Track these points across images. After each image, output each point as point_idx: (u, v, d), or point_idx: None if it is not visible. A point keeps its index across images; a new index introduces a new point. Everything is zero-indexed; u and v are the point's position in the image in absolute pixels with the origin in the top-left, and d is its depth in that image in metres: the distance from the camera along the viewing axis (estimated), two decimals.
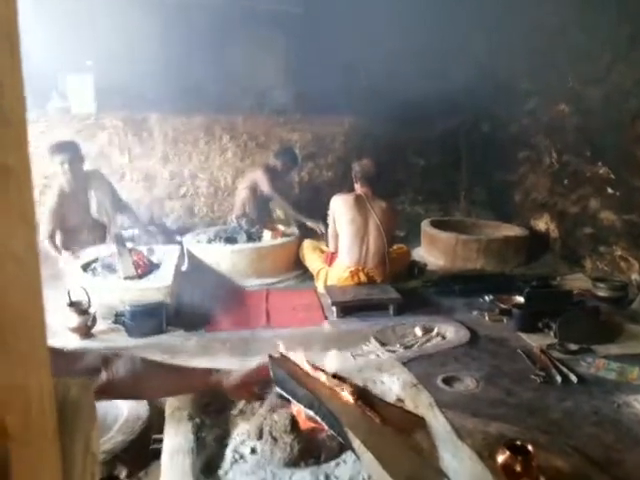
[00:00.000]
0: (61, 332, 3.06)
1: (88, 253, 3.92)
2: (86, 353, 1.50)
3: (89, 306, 3.09)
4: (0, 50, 0.44)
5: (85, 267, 3.65)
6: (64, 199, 4.11)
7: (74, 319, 3.04)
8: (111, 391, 1.40)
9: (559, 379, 2.66)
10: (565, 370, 2.74)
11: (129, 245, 3.81)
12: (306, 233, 4.74)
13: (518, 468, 1.78)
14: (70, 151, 4.08)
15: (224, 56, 5.39)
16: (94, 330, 3.12)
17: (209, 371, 1.68)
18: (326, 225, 4.52)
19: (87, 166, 4.38)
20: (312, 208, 5.13)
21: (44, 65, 4.77)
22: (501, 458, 1.82)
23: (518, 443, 1.87)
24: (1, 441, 0.43)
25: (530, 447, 1.84)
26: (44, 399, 0.52)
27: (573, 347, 2.98)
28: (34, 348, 0.51)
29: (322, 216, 4.57)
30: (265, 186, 4.99)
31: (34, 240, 0.52)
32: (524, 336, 3.19)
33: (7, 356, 0.44)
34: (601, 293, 3.72)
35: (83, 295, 3.11)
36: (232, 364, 2.80)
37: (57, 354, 1.32)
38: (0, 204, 0.43)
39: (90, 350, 1.69)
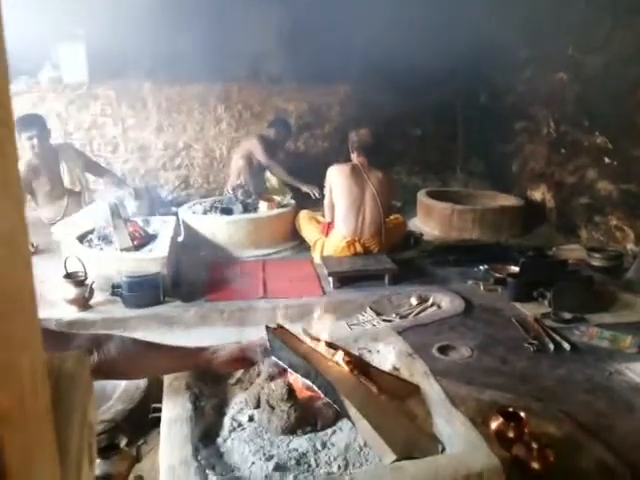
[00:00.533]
0: (59, 304, 3.07)
1: (66, 222, 3.97)
2: (77, 334, 1.52)
3: (86, 278, 3.09)
4: None
5: (81, 238, 3.64)
6: (33, 171, 4.17)
7: (71, 291, 3.04)
8: (102, 372, 1.43)
9: (552, 347, 2.70)
10: (558, 338, 2.78)
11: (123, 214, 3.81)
12: (302, 202, 4.73)
13: (511, 434, 1.82)
14: (37, 126, 4.08)
15: (219, 24, 5.28)
16: (92, 302, 3.13)
17: (199, 350, 1.71)
18: (321, 190, 4.52)
19: (75, 137, 4.40)
20: (308, 178, 5.10)
21: (36, 34, 4.68)
22: (494, 424, 1.86)
23: (511, 410, 1.91)
24: None
25: (522, 414, 1.88)
26: (36, 378, 0.52)
27: (567, 316, 3.02)
28: (25, 326, 0.50)
29: (319, 186, 4.56)
30: (260, 154, 5.00)
31: (22, 216, 0.51)
32: (518, 305, 3.22)
33: None
34: (596, 263, 3.74)
35: (80, 267, 3.11)
36: (229, 334, 2.83)
37: (47, 334, 1.34)
38: None
39: (80, 332, 1.71)
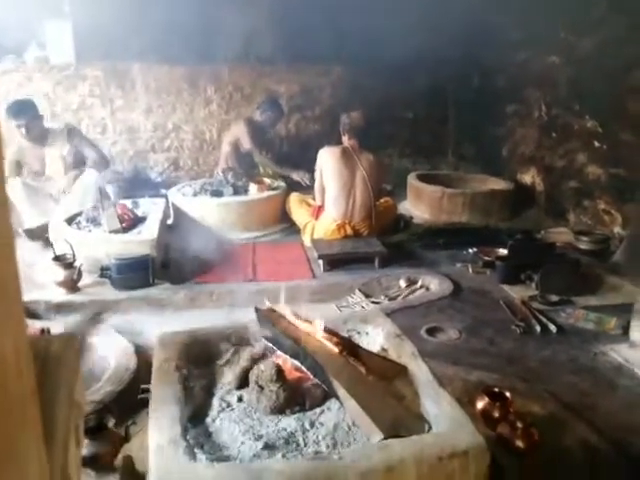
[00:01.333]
0: (48, 286, 3.06)
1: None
2: None
3: (74, 260, 3.08)
4: None
5: (69, 221, 3.62)
6: (23, 152, 4.13)
7: (60, 273, 3.03)
8: None
9: (539, 329, 2.73)
10: (545, 320, 2.81)
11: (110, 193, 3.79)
12: (293, 186, 4.71)
13: (496, 414, 1.85)
14: (26, 115, 3.99)
15: (209, 3, 5.20)
16: (80, 284, 3.12)
17: None
18: (311, 176, 4.49)
19: (63, 118, 4.30)
20: (299, 161, 5.08)
21: (21, 11, 4.59)
22: (480, 404, 1.89)
23: (496, 390, 1.94)
24: None
25: (508, 394, 1.91)
26: (20, 360, 0.52)
27: (554, 298, 3.05)
28: (7, 309, 0.50)
29: (309, 169, 4.53)
30: (246, 141, 4.92)
31: (3, 197, 0.51)
32: (506, 288, 3.25)
33: None
34: (583, 246, 3.77)
35: (68, 249, 3.09)
36: (219, 316, 2.84)
37: None
38: None
39: None
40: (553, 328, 2.74)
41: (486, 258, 3.60)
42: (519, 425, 1.76)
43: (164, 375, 1.82)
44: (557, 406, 2.06)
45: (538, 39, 4.74)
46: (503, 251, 3.58)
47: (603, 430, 1.93)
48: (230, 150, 5.00)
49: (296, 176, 4.85)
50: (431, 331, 2.72)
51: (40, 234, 3.73)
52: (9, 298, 0.50)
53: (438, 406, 1.67)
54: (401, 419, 1.61)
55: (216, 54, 5.52)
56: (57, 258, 3.09)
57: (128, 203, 3.85)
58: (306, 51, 5.37)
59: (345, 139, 3.97)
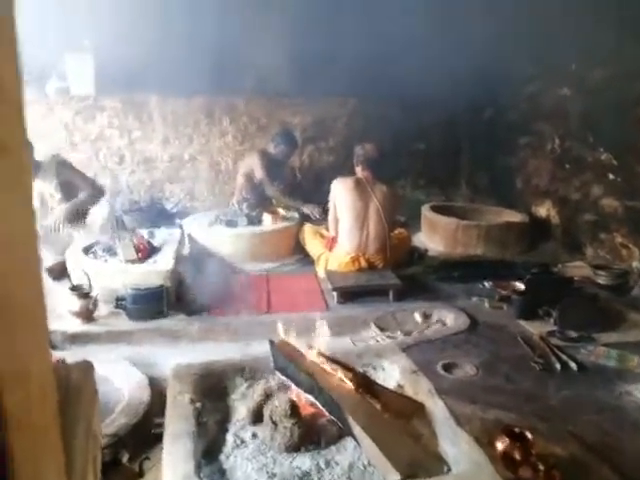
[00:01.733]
0: (64, 316, 3.07)
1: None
2: None
3: (90, 290, 3.09)
4: None
5: (86, 250, 3.65)
6: None
7: (76, 303, 3.04)
8: None
9: (558, 366, 2.67)
10: (564, 357, 2.75)
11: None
12: (306, 217, 4.73)
13: (517, 455, 1.79)
14: None
15: (226, 37, 5.32)
16: (96, 314, 3.12)
17: None
18: (321, 210, 4.51)
19: (81, 148, 4.25)
20: (313, 192, 5.11)
21: (44, 45, 4.72)
22: (500, 445, 1.84)
23: (517, 430, 1.88)
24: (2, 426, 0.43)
25: (529, 434, 1.86)
26: (44, 386, 0.52)
27: (573, 334, 2.99)
28: (35, 334, 0.51)
29: (323, 201, 4.55)
30: (259, 173, 4.93)
31: (33, 225, 0.51)
32: (524, 323, 3.19)
33: (9, 342, 0.44)
34: (601, 280, 3.72)
35: (84, 279, 3.11)
36: (234, 348, 2.82)
37: None
38: (0, 187, 0.43)
39: None
40: (573, 365, 2.68)
41: (502, 292, 3.56)
42: (541, 468, 1.71)
43: (178, 409, 1.80)
44: (580, 447, 1.99)
45: (549, 71, 4.78)
46: (520, 285, 3.54)
47: (628, 473, 1.87)
48: (244, 181, 5.04)
49: (306, 209, 4.84)
50: (447, 367, 2.67)
51: (61, 272, 3.69)
52: (36, 326, 0.51)
53: (456, 446, 1.63)
54: (419, 459, 1.58)
55: (232, 86, 5.62)
56: (74, 288, 3.11)
57: (144, 233, 3.88)
58: (321, 83, 5.45)
59: (359, 170, 3.99)
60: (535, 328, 3.11)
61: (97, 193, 4.18)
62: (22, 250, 0.48)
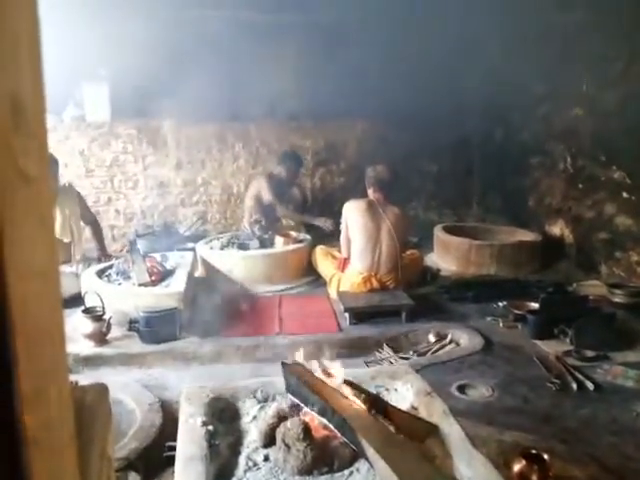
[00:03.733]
0: (76, 338, 3.09)
1: None
2: None
3: (104, 312, 3.11)
4: (23, 65, 0.45)
5: (100, 273, 3.68)
6: None
7: (89, 325, 3.06)
8: None
9: (575, 386, 2.63)
10: (581, 377, 2.70)
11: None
12: (318, 239, 4.75)
13: (534, 478, 1.76)
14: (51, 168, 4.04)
15: (237, 64, 5.43)
16: (109, 337, 3.14)
17: None
18: (333, 222, 4.53)
19: (97, 174, 4.36)
20: (325, 215, 5.13)
21: (61, 74, 4.84)
22: (517, 467, 1.80)
23: (534, 452, 1.85)
24: (22, 445, 0.44)
25: (546, 456, 1.82)
26: (63, 406, 0.53)
27: (589, 354, 2.94)
28: (55, 357, 0.52)
29: (335, 223, 4.57)
30: (267, 194, 5.01)
31: (55, 252, 0.53)
32: (539, 343, 3.15)
33: (30, 364, 0.45)
34: (617, 299, 3.67)
35: (98, 301, 3.13)
36: (246, 370, 2.81)
37: None
38: (23, 215, 0.44)
39: None
40: (590, 385, 2.63)
41: (517, 312, 3.52)
42: None
43: (190, 432, 1.79)
44: (599, 470, 1.95)
45: (561, 92, 4.79)
46: (534, 305, 3.50)
47: None
48: (253, 204, 5.09)
49: (318, 222, 4.89)
50: (462, 388, 2.64)
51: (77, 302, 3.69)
52: (55, 346, 0.52)
53: (472, 468, 1.60)
54: None
55: (244, 112, 5.71)
56: (87, 310, 3.13)
57: (157, 256, 3.91)
58: (331, 107, 5.51)
59: (370, 192, 4.01)
60: (551, 348, 3.07)
61: (97, 226, 4.40)
62: (44, 277, 0.50)
